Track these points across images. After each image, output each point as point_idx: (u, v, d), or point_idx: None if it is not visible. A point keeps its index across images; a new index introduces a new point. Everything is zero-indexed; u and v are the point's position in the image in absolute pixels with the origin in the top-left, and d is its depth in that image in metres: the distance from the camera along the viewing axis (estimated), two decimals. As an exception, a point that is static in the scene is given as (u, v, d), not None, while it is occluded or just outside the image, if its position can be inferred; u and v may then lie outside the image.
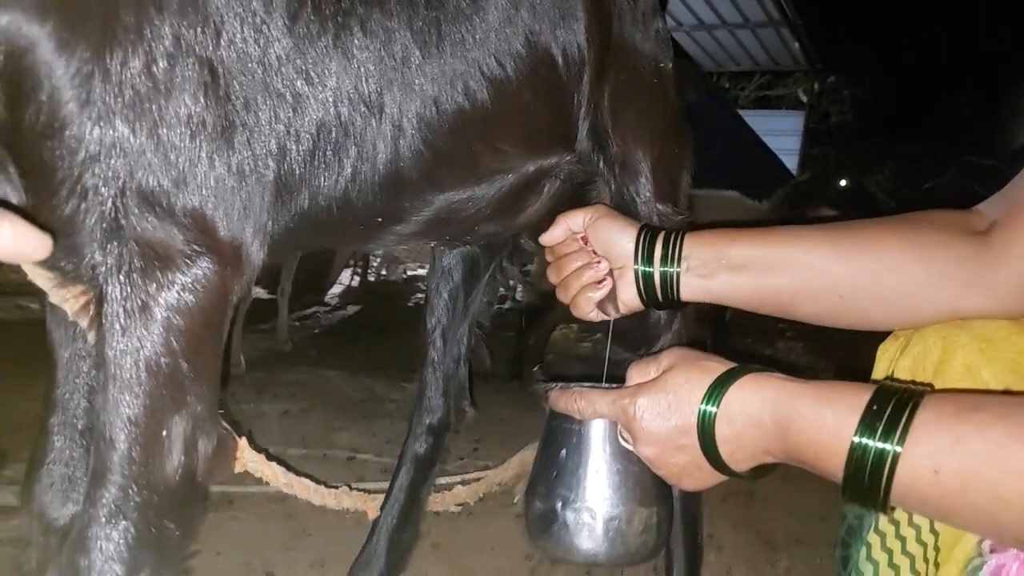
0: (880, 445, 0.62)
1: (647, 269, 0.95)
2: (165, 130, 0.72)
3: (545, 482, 0.89)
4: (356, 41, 0.89)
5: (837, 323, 0.90)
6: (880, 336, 0.91)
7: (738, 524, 2.24)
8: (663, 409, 0.79)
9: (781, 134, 11.35)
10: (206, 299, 0.75)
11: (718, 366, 0.78)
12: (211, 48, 0.75)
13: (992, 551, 0.70)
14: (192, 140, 0.74)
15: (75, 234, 0.71)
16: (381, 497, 1.58)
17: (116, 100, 0.69)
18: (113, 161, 0.70)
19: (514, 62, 1.07)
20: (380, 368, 3.70)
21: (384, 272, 7.27)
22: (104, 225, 0.71)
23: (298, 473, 1.43)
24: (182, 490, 0.77)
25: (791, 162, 10.91)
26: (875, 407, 0.64)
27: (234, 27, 0.77)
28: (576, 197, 1.28)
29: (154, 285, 0.73)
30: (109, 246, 0.72)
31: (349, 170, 0.92)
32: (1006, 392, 0.74)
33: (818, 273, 0.87)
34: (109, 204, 0.71)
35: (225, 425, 0.84)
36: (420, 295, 6.36)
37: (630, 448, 0.84)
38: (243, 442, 1.10)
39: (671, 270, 0.93)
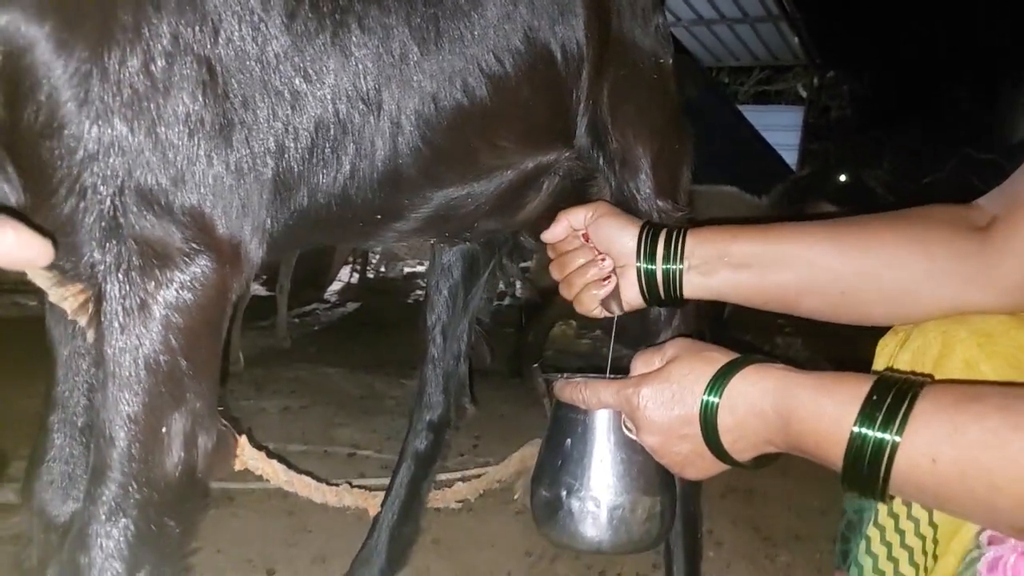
0: (879, 435, 0.63)
1: (649, 267, 0.95)
2: (163, 129, 0.72)
3: (551, 471, 0.90)
4: (354, 38, 0.89)
5: (839, 319, 0.91)
6: (880, 331, 0.91)
7: (737, 520, 2.24)
8: (666, 399, 0.79)
9: (780, 129, 11.35)
10: (205, 297, 0.76)
11: (721, 356, 0.79)
12: (209, 46, 0.75)
13: (990, 543, 0.71)
14: (190, 138, 0.74)
15: (74, 233, 0.71)
16: (382, 494, 1.58)
17: (114, 99, 0.69)
18: (112, 160, 0.70)
19: (513, 58, 1.07)
20: (380, 365, 3.71)
21: (383, 269, 7.27)
22: (103, 224, 0.71)
23: (299, 470, 1.43)
24: (182, 487, 0.77)
25: (790, 157, 10.90)
26: (875, 397, 0.64)
27: (232, 25, 0.77)
28: (576, 193, 1.28)
29: (153, 283, 0.73)
30: (108, 244, 0.72)
31: (348, 167, 0.92)
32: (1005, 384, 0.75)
33: (820, 270, 0.87)
34: (108, 203, 0.71)
35: (224, 422, 0.84)
36: (419, 292, 6.36)
37: (634, 437, 0.85)
38: (243, 440, 1.10)
39: (673, 267, 0.94)
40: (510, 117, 1.11)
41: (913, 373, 0.81)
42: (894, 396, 0.63)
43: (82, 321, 0.76)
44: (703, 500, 1.61)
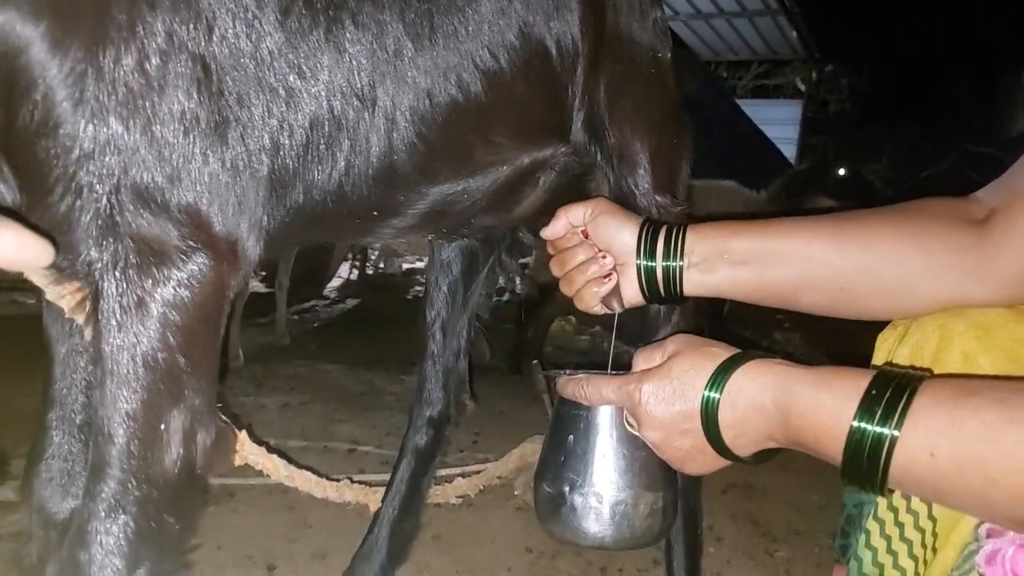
0: (878, 429, 0.63)
1: (649, 264, 0.95)
2: (159, 127, 0.72)
3: (553, 467, 0.91)
4: (348, 34, 0.88)
5: (838, 314, 0.91)
6: (878, 325, 0.91)
7: (737, 516, 2.24)
8: (668, 395, 0.80)
9: (779, 123, 11.33)
10: (202, 294, 0.76)
11: (722, 352, 0.79)
12: (203, 44, 0.75)
13: (988, 536, 0.71)
14: (186, 136, 0.74)
15: (70, 231, 0.71)
16: (382, 490, 1.59)
17: (110, 98, 0.69)
18: (107, 158, 0.70)
19: (507, 54, 1.06)
20: (379, 361, 3.71)
21: (383, 265, 7.27)
22: (99, 222, 0.71)
23: (299, 465, 1.43)
24: (181, 483, 0.77)
25: (789, 151, 10.89)
26: (874, 392, 0.64)
27: (226, 22, 0.77)
28: (574, 189, 1.28)
29: (150, 281, 0.73)
30: (104, 243, 0.72)
31: (342, 164, 0.92)
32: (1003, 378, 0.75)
33: (819, 265, 0.88)
34: (104, 201, 0.71)
35: (224, 418, 0.84)
36: (419, 288, 6.36)
37: (636, 433, 0.85)
38: (243, 435, 1.10)
39: (673, 264, 0.94)
40: (505, 113, 1.10)
41: (912, 367, 0.81)
42: (893, 391, 0.63)
43: (79, 319, 0.76)
44: (703, 496, 1.61)
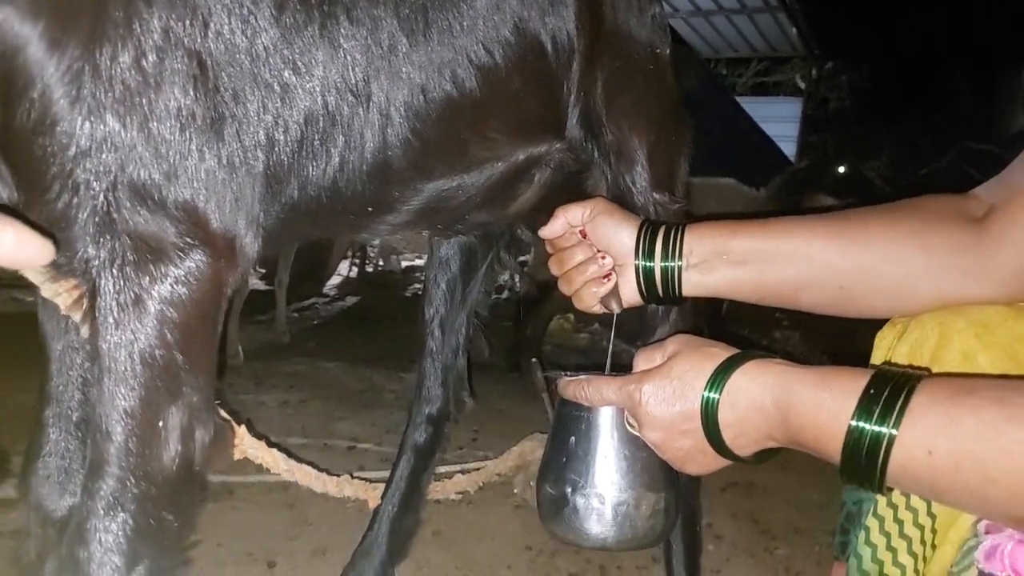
0: (876, 428, 0.63)
1: (648, 264, 0.95)
2: (155, 124, 0.72)
3: (555, 468, 0.91)
4: (342, 30, 0.88)
5: (838, 312, 0.91)
6: (878, 323, 0.91)
7: (737, 514, 2.25)
8: (668, 395, 0.80)
9: (779, 121, 11.31)
10: (200, 291, 0.76)
11: (722, 352, 0.79)
12: (199, 40, 0.75)
13: (987, 532, 0.71)
14: (182, 133, 0.74)
15: (67, 229, 0.71)
16: (382, 485, 1.59)
17: (106, 95, 0.69)
18: (104, 156, 0.70)
19: (502, 49, 1.06)
20: (379, 358, 3.71)
21: (382, 263, 7.27)
22: (96, 219, 0.71)
23: (299, 461, 1.43)
24: (180, 480, 0.77)
25: (789, 149, 10.88)
26: (872, 391, 0.65)
27: (222, 18, 0.77)
28: (571, 186, 1.28)
29: (147, 278, 0.73)
30: (101, 240, 0.72)
31: (337, 160, 0.92)
32: (1001, 377, 0.75)
33: (819, 265, 0.88)
34: (101, 198, 0.71)
35: (222, 414, 0.84)
36: (418, 285, 6.36)
37: (637, 434, 0.85)
38: (242, 429, 1.10)
39: (672, 265, 0.94)
40: (500, 108, 1.10)
41: (911, 366, 0.81)
42: (891, 390, 0.64)
43: (76, 317, 0.76)
44: (703, 494, 1.61)
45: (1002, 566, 0.69)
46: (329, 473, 1.55)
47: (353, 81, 0.90)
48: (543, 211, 1.03)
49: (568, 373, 0.94)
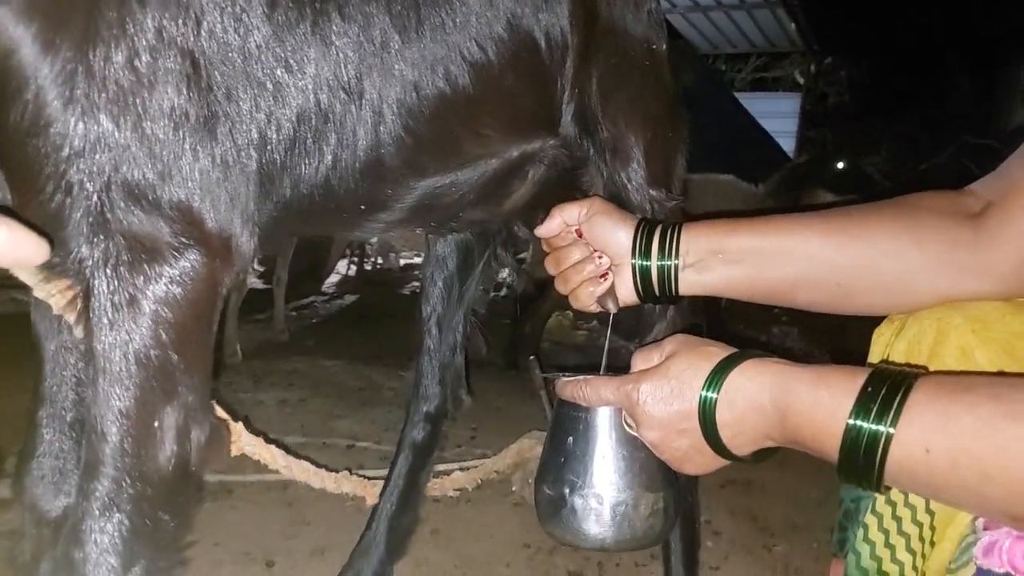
0: (874, 426, 0.63)
1: (644, 263, 0.95)
2: (149, 123, 0.72)
3: (553, 468, 0.91)
4: (334, 27, 0.88)
5: (836, 310, 0.91)
6: (876, 320, 0.91)
7: (736, 511, 2.25)
8: (665, 394, 0.80)
9: (778, 116, 11.31)
10: (195, 291, 0.75)
11: (719, 351, 0.79)
12: (192, 39, 0.75)
13: (986, 528, 0.71)
14: (176, 132, 0.74)
15: (61, 229, 0.71)
16: (380, 482, 1.59)
17: (100, 95, 0.69)
18: (98, 156, 0.70)
19: (495, 46, 1.06)
20: (378, 357, 3.71)
21: (380, 261, 7.27)
22: (90, 219, 0.71)
23: (298, 459, 1.43)
24: (176, 481, 0.77)
25: (788, 144, 10.88)
26: (869, 389, 0.64)
27: (214, 17, 0.77)
28: (567, 183, 1.27)
29: (142, 278, 0.72)
30: (95, 240, 0.71)
31: (329, 158, 0.92)
32: (999, 373, 0.75)
33: (816, 263, 0.87)
34: (95, 199, 0.71)
35: (218, 414, 0.84)
36: (417, 283, 6.36)
37: (635, 434, 0.85)
38: (239, 426, 1.10)
39: (668, 264, 0.94)
40: (493, 105, 1.10)
41: (908, 364, 0.81)
42: (888, 388, 0.64)
43: (70, 317, 0.76)
44: (701, 491, 1.61)
45: (1000, 562, 0.68)
46: (328, 470, 1.55)
47: (345, 79, 0.90)
48: (539, 208, 1.02)
49: (566, 373, 0.94)
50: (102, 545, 0.73)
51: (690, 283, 0.94)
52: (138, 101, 0.71)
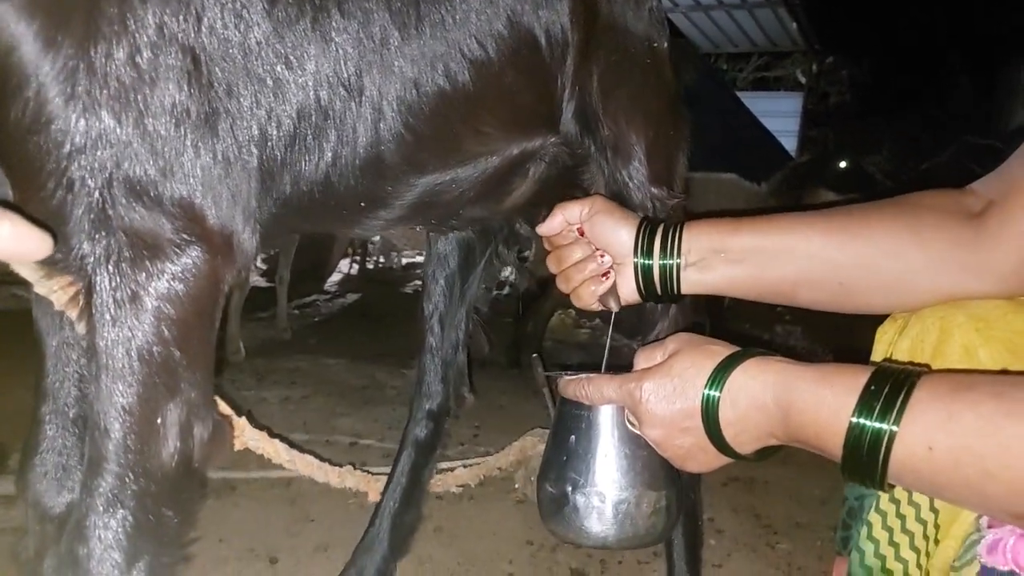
0: (877, 424, 0.63)
1: (646, 262, 0.95)
2: (150, 120, 0.72)
3: (556, 466, 0.91)
4: (334, 23, 0.88)
5: (838, 308, 0.91)
6: (879, 318, 0.91)
7: (739, 509, 2.25)
8: (668, 392, 0.80)
9: (779, 115, 11.29)
10: (196, 287, 0.75)
11: (722, 350, 0.79)
12: (193, 35, 0.75)
13: (990, 526, 0.71)
14: (177, 129, 0.74)
15: (63, 225, 0.71)
16: (383, 478, 1.59)
17: (101, 92, 0.69)
18: (99, 152, 0.70)
19: (495, 43, 1.05)
20: (380, 355, 3.71)
21: (383, 260, 7.27)
22: (92, 216, 0.71)
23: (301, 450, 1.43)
24: (179, 477, 0.77)
25: (790, 144, 10.86)
26: (873, 388, 0.64)
27: (215, 13, 0.77)
28: (567, 181, 1.27)
29: (144, 275, 0.73)
30: (97, 236, 0.72)
31: (329, 154, 0.92)
32: (1002, 372, 0.75)
33: (818, 262, 0.87)
34: (96, 195, 0.71)
35: (222, 410, 0.84)
36: (419, 282, 6.35)
37: (637, 432, 0.85)
38: (243, 420, 1.10)
39: (670, 263, 0.94)
40: (493, 102, 1.10)
41: (911, 363, 0.81)
42: (892, 386, 0.64)
43: (72, 314, 0.76)
44: (704, 489, 1.61)
45: (1004, 560, 0.68)
46: (332, 462, 1.55)
47: (345, 75, 0.90)
48: (540, 206, 1.02)
49: (569, 372, 0.94)
50: (106, 541, 0.73)
51: (692, 282, 0.94)
52: (139, 97, 0.71)
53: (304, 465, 1.40)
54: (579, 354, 3.96)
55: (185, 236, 0.75)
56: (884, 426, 0.62)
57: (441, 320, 1.52)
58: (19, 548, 0.97)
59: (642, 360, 0.86)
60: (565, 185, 1.26)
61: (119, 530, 0.74)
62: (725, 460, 0.80)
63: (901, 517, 0.82)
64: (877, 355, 0.89)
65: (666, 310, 1.30)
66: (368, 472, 1.67)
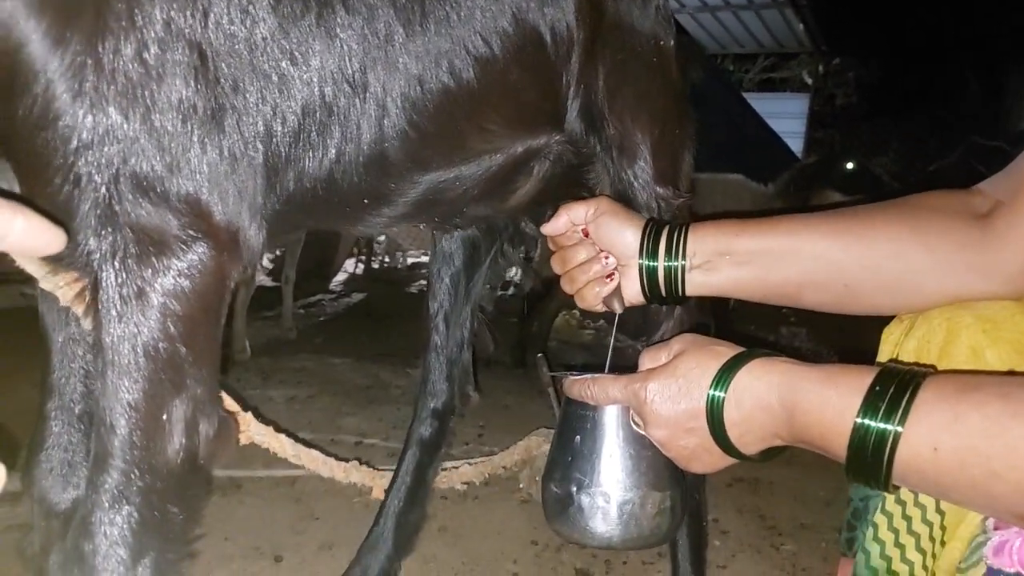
0: (882, 425, 0.63)
1: (651, 264, 0.95)
2: (157, 116, 0.72)
3: (561, 467, 0.91)
4: (339, 19, 0.88)
5: (843, 310, 0.90)
6: (884, 319, 0.91)
7: (743, 509, 2.24)
8: (673, 393, 0.80)
9: (786, 117, 11.31)
10: (203, 284, 0.75)
11: (727, 351, 0.79)
12: (200, 31, 0.75)
13: (996, 528, 0.71)
14: (184, 124, 0.74)
15: (69, 221, 0.71)
16: (388, 474, 1.59)
17: (109, 88, 0.69)
18: (106, 148, 0.70)
19: (500, 40, 1.05)
20: (385, 355, 3.72)
21: (388, 260, 7.28)
22: (98, 212, 0.71)
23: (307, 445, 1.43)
24: (184, 473, 0.77)
25: (796, 145, 10.86)
26: (877, 388, 0.64)
27: (221, 8, 0.77)
28: (572, 180, 1.27)
29: (150, 271, 0.73)
30: (103, 232, 0.72)
31: (333, 151, 0.92)
32: (1009, 373, 0.74)
33: (823, 264, 0.87)
34: (103, 191, 0.71)
35: (227, 406, 0.84)
36: (424, 282, 6.35)
37: (642, 432, 0.85)
38: (249, 416, 1.10)
39: (675, 265, 0.94)
40: (497, 100, 1.09)
41: (917, 363, 0.81)
42: (896, 387, 0.63)
43: (78, 309, 0.76)
44: (709, 489, 1.61)
45: (1011, 562, 0.68)
46: (338, 457, 1.55)
47: (350, 72, 0.90)
48: (544, 205, 1.02)
49: (574, 372, 0.94)
50: (111, 537, 0.74)
51: (697, 284, 0.94)
52: (146, 93, 0.71)
53: (309, 460, 1.40)
54: (584, 355, 3.96)
55: (191, 232, 0.75)
56: (889, 427, 0.62)
57: (446, 318, 1.51)
58: (25, 544, 0.97)
59: (647, 361, 0.86)
60: (570, 184, 1.26)
61: (124, 526, 0.74)
62: (730, 461, 0.80)
63: (907, 518, 0.82)
64: (883, 356, 0.88)
65: (671, 311, 1.30)
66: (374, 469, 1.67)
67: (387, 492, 1.55)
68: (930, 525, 0.80)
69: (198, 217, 0.75)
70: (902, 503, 0.82)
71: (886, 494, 0.82)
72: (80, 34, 0.68)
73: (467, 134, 1.09)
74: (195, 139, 0.75)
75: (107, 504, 0.74)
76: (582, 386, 0.89)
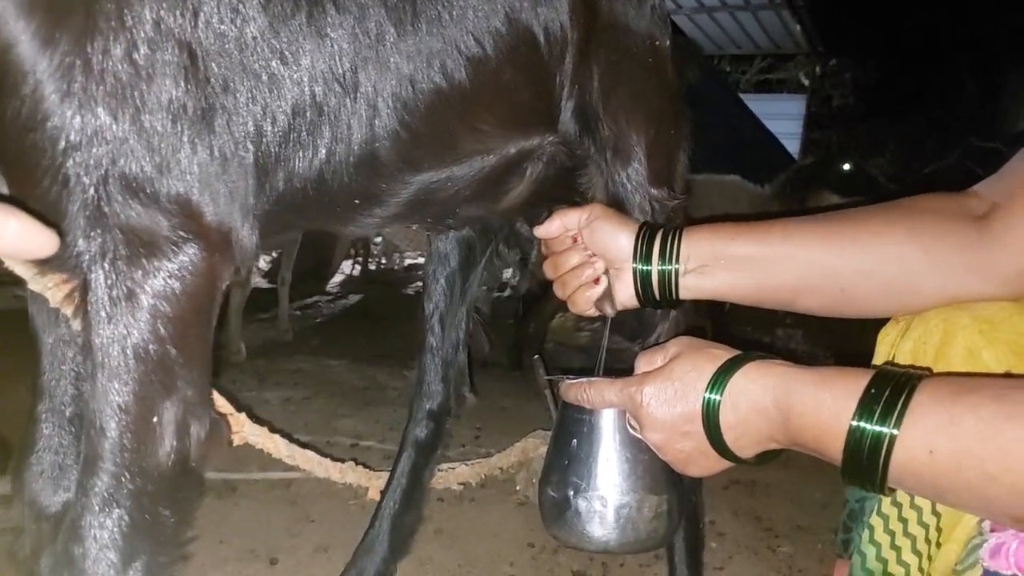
0: (877, 428, 0.63)
1: (645, 268, 0.95)
2: (147, 116, 0.72)
3: (558, 471, 0.90)
4: (329, 19, 0.87)
5: (840, 314, 0.90)
6: (881, 321, 0.91)
7: (740, 511, 2.24)
8: (669, 396, 0.80)
9: (783, 118, 11.31)
10: (193, 285, 0.75)
11: (723, 354, 0.79)
12: (189, 30, 0.74)
13: (992, 530, 0.71)
14: (174, 125, 0.73)
15: (58, 222, 0.71)
16: (384, 474, 1.58)
17: (98, 89, 0.69)
18: (95, 149, 0.70)
19: (493, 40, 1.04)
20: (382, 356, 3.71)
21: (384, 261, 7.28)
22: (87, 213, 0.71)
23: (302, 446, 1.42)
24: (175, 476, 0.76)
25: (793, 146, 10.86)
26: (873, 391, 0.64)
27: (211, 8, 0.76)
28: (566, 182, 1.26)
29: (139, 272, 0.72)
30: (93, 233, 0.71)
31: (324, 151, 0.91)
32: (1006, 375, 0.74)
33: (818, 269, 0.87)
34: (92, 192, 0.71)
35: (220, 408, 0.83)
36: (420, 284, 6.36)
37: (639, 436, 0.85)
38: (243, 416, 1.09)
39: (669, 268, 0.94)
40: (490, 100, 1.09)
41: (913, 365, 0.80)
42: (892, 389, 0.63)
43: (67, 311, 0.76)
44: (705, 492, 1.61)
45: (1007, 564, 0.68)
46: (334, 457, 1.55)
47: (340, 71, 0.89)
48: (537, 207, 1.02)
49: (570, 375, 0.94)
50: (102, 540, 0.73)
51: (691, 288, 0.94)
52: (136, 94, 0.71)
53: (304, 460, 1.40)
54: (580, 357, 3.96)
55: (182, 233, 0.74)
56: (884, 429, 0.62)
57: (442, 319, 1.51)
58: (15, 547, 0.97)
59: (643, 364, 0.86)
60: (563, 187, 1.26)
61: (115, 529, 0.73)
62: (726, 464, 0.80)
63: (903, 521, 0.81)
64: (879, 358, 0.88)
65: (667, 314, 1.30)
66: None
67: (383, 494, 1.55)
68: (926, 527, 0.80)
69: (188, 218, 0.75)
70: (898, 505, 0.82)
71: (882, 497, 0.82)
72: (69, 34, 0.67)
73: (459, 135, 1.08)
74: (185, 139, 0.74)
75: (97, 507, 0.73)
76: (578, 390, 0.89)
